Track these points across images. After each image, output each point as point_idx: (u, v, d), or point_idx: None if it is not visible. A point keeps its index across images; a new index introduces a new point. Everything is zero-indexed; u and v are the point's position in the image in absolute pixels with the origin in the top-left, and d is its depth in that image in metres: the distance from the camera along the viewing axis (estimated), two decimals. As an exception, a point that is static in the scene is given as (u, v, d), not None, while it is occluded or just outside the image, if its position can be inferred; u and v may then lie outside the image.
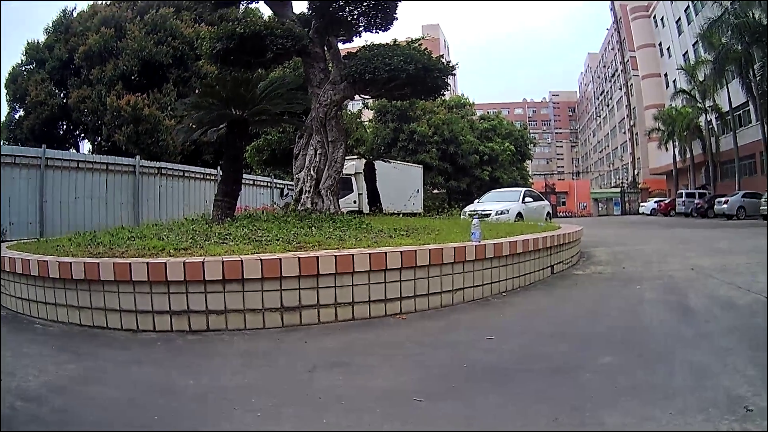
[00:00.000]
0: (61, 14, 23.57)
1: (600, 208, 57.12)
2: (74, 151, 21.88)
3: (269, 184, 19.96)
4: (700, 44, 33.24)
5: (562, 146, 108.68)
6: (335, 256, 4.29)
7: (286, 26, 8.88)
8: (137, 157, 13.87)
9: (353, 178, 18.33)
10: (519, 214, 14.49)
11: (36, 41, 23.13)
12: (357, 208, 16.76)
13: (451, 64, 9.68)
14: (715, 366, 3.04)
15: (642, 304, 4.93)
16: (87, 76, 21.03)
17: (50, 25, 23.55)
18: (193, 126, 7.83)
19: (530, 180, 48.49)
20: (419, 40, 13.01)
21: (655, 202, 41.92)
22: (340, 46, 10.33)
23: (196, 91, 12.50)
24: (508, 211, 14.37)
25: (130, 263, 4.17)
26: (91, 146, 23.24)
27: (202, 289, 4.08)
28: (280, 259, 4.15)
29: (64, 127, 23.39)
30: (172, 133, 15.70)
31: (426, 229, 7.07)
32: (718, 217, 26.23)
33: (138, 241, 5.35)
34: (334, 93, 9.10)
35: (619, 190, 59.82)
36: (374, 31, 9.71)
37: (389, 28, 9.76)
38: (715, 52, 28.28)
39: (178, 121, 16.64)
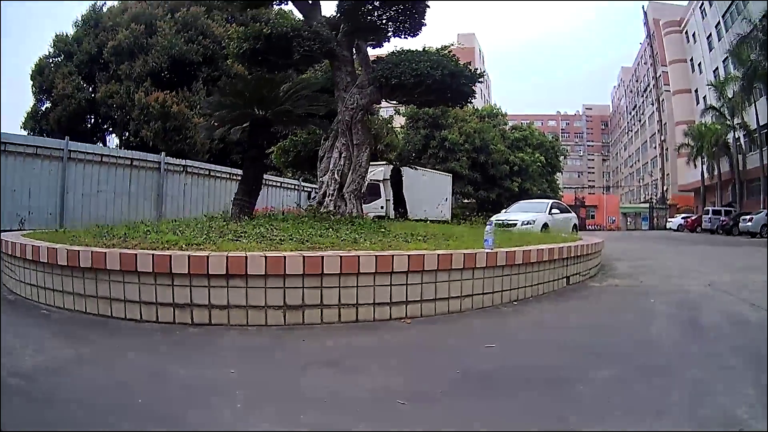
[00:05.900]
0: (91, 9, 23.85)
1: (628, 223, 57.72)
2: (101, 145, 22.01)
3: (296, 187, 20.07)
4: (730, 60, 32.89)
5: (593, 160, 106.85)
6: (341, 257, 4.26)
7: (313, 28, 8.79)
8: (162, 153, 13.99)
9: (381, 185, 18.13)
10: (545, 225, 14.32)
11: (64, 33, 23.42)
12: (384, 214, 16.68)
13: (478, 72, 9.58)
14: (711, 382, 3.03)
15: (651, 319, 4.83)
16: (116, 71, 21.14)
17: (79, 19, 23.87)
18: (215, 124, 7.92)
19: (560, 193, 47.73)
20: (449, 46, 12.86)
21: (682, 218, 41.91)
22: (370, 51, 10.29)
23: (219, 89, 12.63)
24: (534, 221, 14.22)
25: (136, 254, 4.22)
26: (119, 141, 23.44)
27: (205, 283, 4.12)
28: (285, 257, 4.15)
29: (92, 121, 23.62)
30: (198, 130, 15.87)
31: (446, 235, 6.99)
32: (743, 235, 26.45)
33: (153, 235, 5.44)
34: (360, 97, 9.02)
35: (647, 205, 59.22)
36: (402, 36, 9.67)
37: (417, 34, 9.71)
38: (743, 69, 27.87)
39: (204, 118, 16.90)
